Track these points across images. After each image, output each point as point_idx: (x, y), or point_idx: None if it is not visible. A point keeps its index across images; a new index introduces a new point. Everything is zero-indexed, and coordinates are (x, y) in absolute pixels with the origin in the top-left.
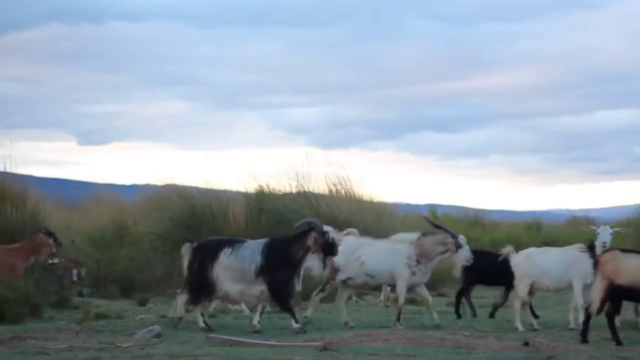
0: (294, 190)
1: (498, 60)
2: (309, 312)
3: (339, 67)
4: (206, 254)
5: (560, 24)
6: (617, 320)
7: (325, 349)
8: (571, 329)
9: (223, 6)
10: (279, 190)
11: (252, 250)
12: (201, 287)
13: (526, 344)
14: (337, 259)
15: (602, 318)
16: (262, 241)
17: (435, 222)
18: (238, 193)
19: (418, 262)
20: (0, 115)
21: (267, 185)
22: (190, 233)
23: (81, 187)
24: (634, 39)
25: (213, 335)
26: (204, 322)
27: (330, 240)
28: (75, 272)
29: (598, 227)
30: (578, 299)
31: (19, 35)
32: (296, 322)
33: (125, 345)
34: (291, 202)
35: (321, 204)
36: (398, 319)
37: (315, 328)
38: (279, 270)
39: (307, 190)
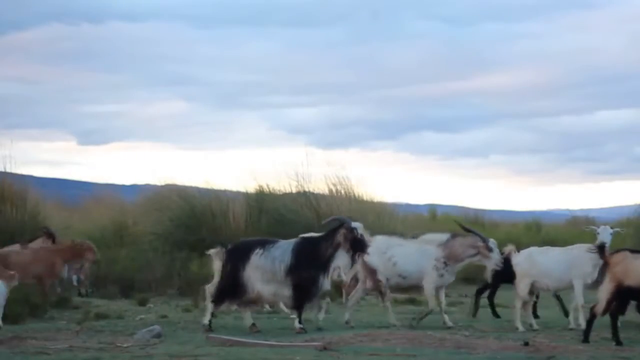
0: (294, 190)
1: (498, 60)
2: (347, 316)
3: (339, 67)
4: (238, 256)
5: (560, 24)
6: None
7: (325, 349)
8: (571, 329)
9: (223, 6)
10: (279, 190)
11: (283, 250)
12: (234, 289)
13: (526, 344)
14: (372, 260)
15: (603, 318)
16: (292, 241)
17: (466, 225)
18: (238, 193)
19: (446, 264)
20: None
21: (267, 185)
22: (190, 233)
23: (81, 187)
24: (634, 39)
25: (213, 335)
26: (210, 321)
27: (359, 236)
28: (75, 277)
29: (598, 227)
30: (578, 299)
31: (19, 35)
32: (300, 322)
33: (125, 345)
34: (291, 202)
35: (321, 204)
36: (422, 318)
37: (316, 328)
38: (306, 269)
39: (307, 190)
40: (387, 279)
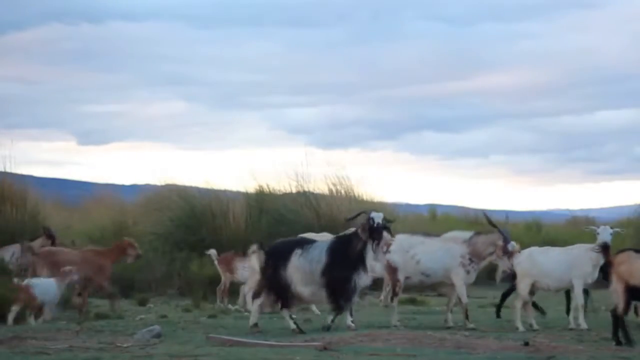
0: (294, 190)
1: (498, 60)
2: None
3: (339, 67)
4: (279, 257)
5: (560, 24)
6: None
7: (325, 349)
8: (571, 329)
9: (223, 6)
10: (279, 190)
11: (320, 251)
12: (275, 291)
13: (526, 344)
14: (394, 258)
15: (603, 318)
16: (329, 240)
17: (492, 220)
18: (238, 193)
19: (471, 260)
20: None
21: (267, 185)
22: (190, 233)
23: (81, 187)
24: (634, 39)
25: (213, 335)
26: (295, 323)
27: (375, 225)
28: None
29: (598, 227)
30: (578, 299)
31: (19, 35)
32: (332, 321)
33: (125, 345)
34: (291, 202)
35: (321, 204)
36: (467, 317)
37: (315, 328)
38: (339, 268)
39: (307, 190)
40: (407, 278)
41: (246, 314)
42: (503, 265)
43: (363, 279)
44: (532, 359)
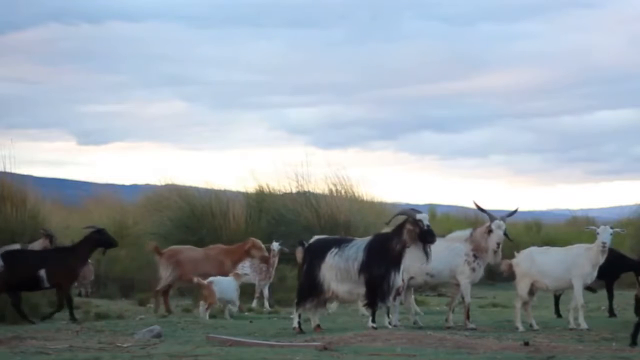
0: (294, 190)
1: (498, 60)
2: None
3: (339, 67)
4: (314, 255)
5: (560, 24)
6: (618, 320)
7: (325, 349)
8: (571, 329)
9: (223, 6)
10: (279, 190)
11: (357, 249)
12: (311, 289)
13: (526, 344)
14: None
15: (603, 318)
16: (366, 239)
17: (480, 206)
18: (238, 193)
19: (476, 257)
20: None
21: (267, 185)
22: (190, 233)
23: (81, 187)
24: (634, 39)
25: (213, 335)
26: (299, 323)
27: (426, 227)
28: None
29: (598, 227)
30: (578, 299)
31: (18, 35)
32: (373, 320)
33: (125, 345)
34: (291, 202)
35: (321, 204)
36: (468, 317)
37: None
38: (377, 266)
39: (307, 190)
40: (412, 278)
41: (247, 314)
42: (489, 243)
43: (397, 280)
44: (532, 359)
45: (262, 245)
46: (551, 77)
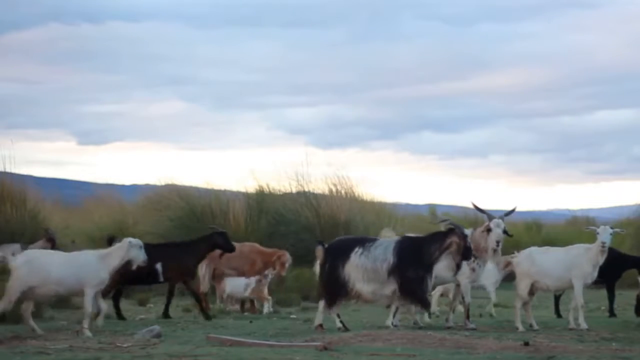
0: (294, 190)
1: (498, 60)
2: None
3: (339, 67)
4: (337, 255)
5: (560, 24)
6: (618, 320)
7: (325, 349)
8: (571, 329)
9: (222, 6)
10: (279, 190)
11: (384, 249)
12: (334, 289)
13: (526, 344)
14: None
15: (603, 318)
16: (393, 239)
17: (478, 206)
18: (238, 193)
19: (475, 257)
20: (0, 115)
21: (267, 185)
22: (190, 233)
23: (81, 187)
24: (634, 39)
25: (213, 335)
26: (341, 322)
27: (469, 244)
28: None
29: (598, 227)
30: (578, 299)
31: (18, 35)
32: (429, 315)
33: (125, 345)
34: (291, 202)
35: (321, 204)
36: (468, 317)
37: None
38: (412, 268)
39: (307, 190)
40: None
41: (246, 314)
42: (490, 258)
43: (430, 284)
44: (532, 359)
45: (288, 265)
46: (551, 77)
